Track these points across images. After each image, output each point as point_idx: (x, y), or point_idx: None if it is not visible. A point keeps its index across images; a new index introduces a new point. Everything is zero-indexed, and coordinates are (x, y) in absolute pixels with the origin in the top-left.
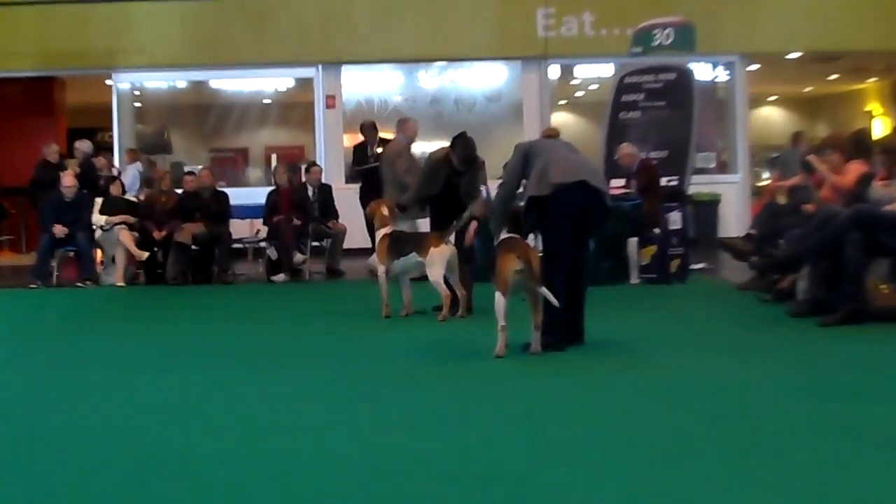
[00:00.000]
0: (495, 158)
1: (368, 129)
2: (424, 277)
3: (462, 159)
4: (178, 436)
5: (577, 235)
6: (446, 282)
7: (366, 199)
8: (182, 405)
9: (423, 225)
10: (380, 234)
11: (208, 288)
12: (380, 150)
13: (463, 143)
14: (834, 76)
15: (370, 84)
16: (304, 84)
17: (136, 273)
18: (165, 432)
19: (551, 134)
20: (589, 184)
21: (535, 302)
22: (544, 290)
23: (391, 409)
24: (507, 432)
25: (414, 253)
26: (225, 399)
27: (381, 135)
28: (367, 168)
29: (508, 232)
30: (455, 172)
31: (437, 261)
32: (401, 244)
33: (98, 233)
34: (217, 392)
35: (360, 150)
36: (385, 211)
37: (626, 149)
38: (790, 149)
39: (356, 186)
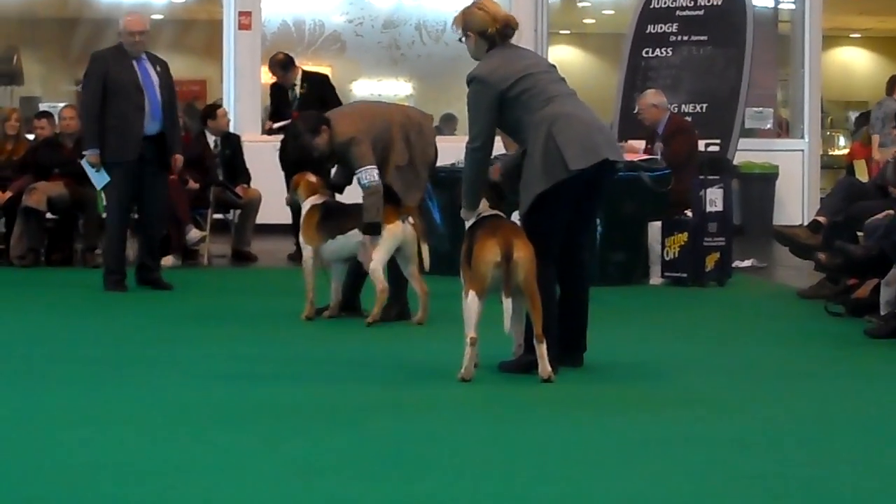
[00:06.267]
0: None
1: (278, 68)
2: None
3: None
4: None
5: (576, 217)
6: (394, 273)
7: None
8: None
9: None
10: (307, 205)
11: (68, 272)
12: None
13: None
14: None
15: None
16: None
17: None
18: None
19: (506, 32)
20: (608, 161)
21: (532, 304)
22: (506, 304)
23: (302, 452)
24: (465, 488)
25: (356, 230)
26: (80, 424)
27: (306, 67)
28: (286, 121)
29: (490, 207)
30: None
31: (384, 242)
32: (337, 218)
33: None
34: (67, 414)
35: (278, 93)
36: (311, 178)
37: (649, 98)
38: (881, 105)
39: (277, 139)
